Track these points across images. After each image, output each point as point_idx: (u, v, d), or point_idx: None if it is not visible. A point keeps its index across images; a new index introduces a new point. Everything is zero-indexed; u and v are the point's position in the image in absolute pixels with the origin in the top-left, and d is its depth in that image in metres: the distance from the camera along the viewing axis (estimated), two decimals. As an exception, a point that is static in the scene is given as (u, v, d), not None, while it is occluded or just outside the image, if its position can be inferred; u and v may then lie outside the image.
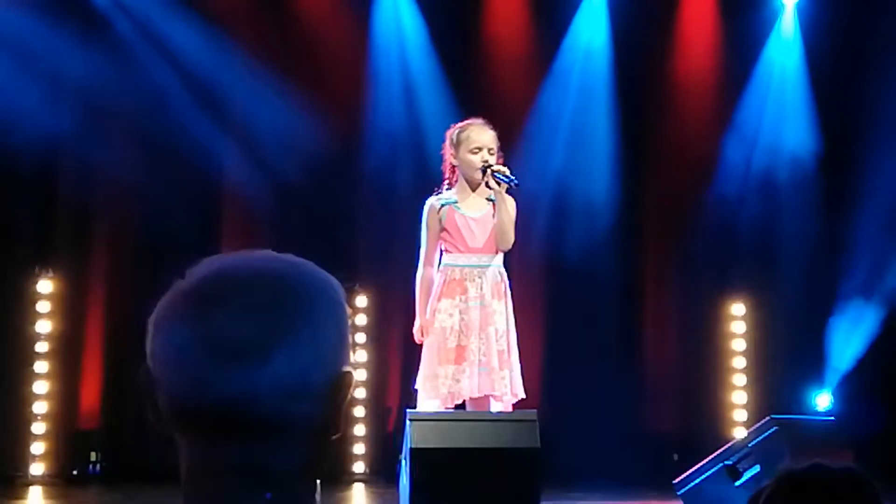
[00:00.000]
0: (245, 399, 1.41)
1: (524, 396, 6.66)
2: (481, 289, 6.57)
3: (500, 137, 6.77)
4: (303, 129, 9.28)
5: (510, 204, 6.59)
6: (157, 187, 9.11)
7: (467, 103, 8.94)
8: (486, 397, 6.54)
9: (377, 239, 9.39)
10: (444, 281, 6.59)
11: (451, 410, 6.51)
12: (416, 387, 6.66)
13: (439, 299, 6.58)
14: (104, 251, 9.29)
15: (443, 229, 6.62)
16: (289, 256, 1.51)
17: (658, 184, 10.16)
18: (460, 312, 6.55)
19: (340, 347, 1.48)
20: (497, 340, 6.57)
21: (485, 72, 9.99)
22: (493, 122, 6.88)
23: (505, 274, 6.68)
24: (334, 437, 1.49)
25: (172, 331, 1.44)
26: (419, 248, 6.69)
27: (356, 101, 9.65)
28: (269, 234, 9.11)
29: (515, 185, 6.52)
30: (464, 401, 6.57)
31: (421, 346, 6.67)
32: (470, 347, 6.52)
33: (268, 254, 1.51)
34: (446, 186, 6.73)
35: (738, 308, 10.28)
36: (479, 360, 6.51)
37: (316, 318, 1.46)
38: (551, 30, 10.17)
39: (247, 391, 1.41)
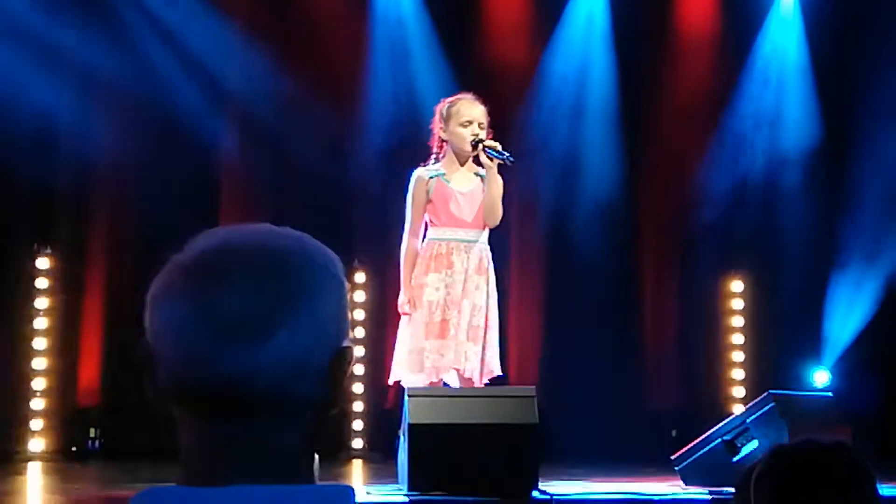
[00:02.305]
0: (246, 377, 1.41)
1: (501, 374, 6.67)
2: (465, 263, 6.58)
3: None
4: (301, 106, 9.27)
5: (498, 181, 6.59)
6: (155, 164, 9.10)
7: (467, 79, 8.92)
8: (459, 371, 6.55)
9: (375, 215, 9.39)
10: (431, 255, 6.60)
11: (450, 386, 6.53)
12: (395, 360, 6.65)
13: (426, 273, 6.58)
14: (103, 227, 9.29)
15: (429, 201, 6.62)
16: (287, 230, 1.50)
17: (657, 161, 10.15)
18: (446, 286, 6.57)
19: (340, 323, 1.48)
20: (474, 315, 6.57)
21: (484, 48, 9.97)
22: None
23: (489, 250, 6.69)
24: (333, 412, 1.50)
25: (172, 307, 1.43)
26: (404, 219, 6.69)
27: (355, 77, 9.63)
28: (267, 210, 9.10)
29: (511, 162, 6.52)
30: (452, 375, 6.58)
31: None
32: (451, 321, 6.54)
33: (266, 227, 1.50)
34: (433, 160, 6.74)
35: (736, 285, 10.28)
36: (458, 335, 6.53)
37: (316, 294, 1.45)
38: (551, 4, 10.15)
39: (248, 369, 1.41)
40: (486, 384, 6.62)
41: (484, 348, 6.60)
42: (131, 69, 9.23)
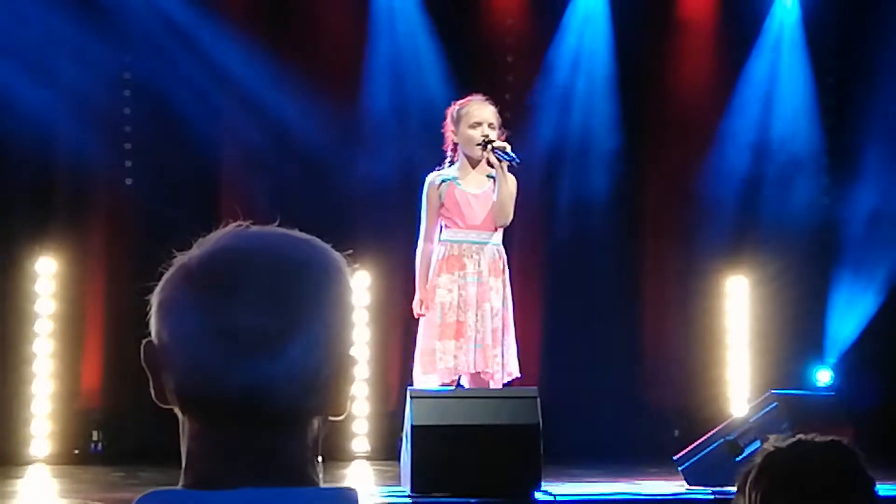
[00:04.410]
0: (260, 391, 1.40)
1: (519, 375, 6.69)
2: (479, 265, 6.61)
3: (501, 105, 6.81)
4: (301, 105, 9.26)
5: (511, 181, 6.62)
6: (155, 164, 9.10)
7: (467, 78, 8.93)
8: (487, 373, 6.58)
9: (378, 217, 9.38)
10: (444, 256, 6.64)
11: (452, 388, 6.53)
12: (413, 362, 6.70)
13: (439, 275, 6.63)
14: (103, 229, 9.28)
15: (442, 205, 6.66)
16: (295, 233, 1.48)
17: (658, 159, 10.15)
18: (459, 288, 6.60)
19: (348, 330, 1.47)
20: (493, 318, 6.60)
21: (483, 48, 9.96)
22: (494, 94, 6.90)
23: (503, 251, 6.72)
24: (339, 419, 1.49)
25: (183, 318, 1.42)
26: (419, 223, 6.73)
27: (356, 75, 9.62)
28: (267, 210, 9.06)
29: (517, 163, 6.55)
30: (460, 377, 6.60)
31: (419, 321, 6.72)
32: (467, 323, 6.56)
33: (275, 232, 1.48)
34: (448, 164, 6.76)
35: (738, 283, 10.27)
36: (475, 337, 6.55)
37: (328, 305, 1.44)
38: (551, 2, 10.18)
39: (262, 384, 1.40)
40: (507, 384, 6.64)
41: (503, 350, 6.62)
42: (131, 69, 9.23)
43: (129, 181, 9.25)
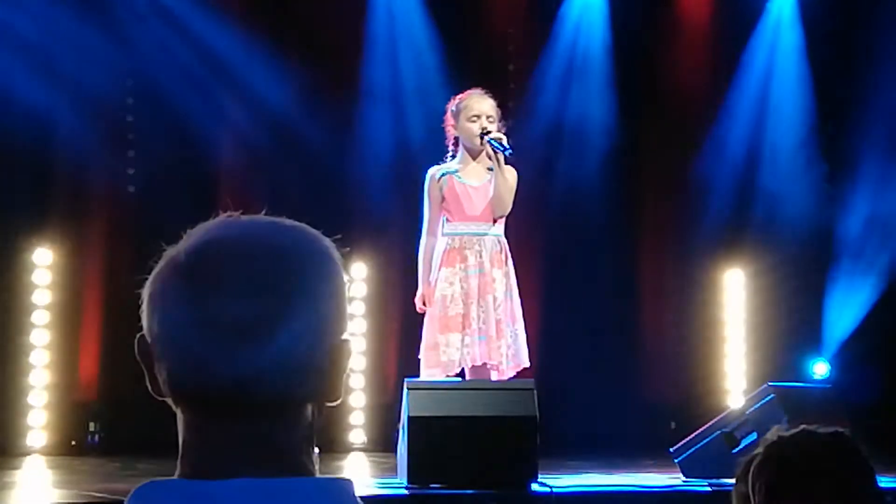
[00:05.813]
0: (250, 380, 1.40)
1: (528, 365, 6.69)
2: (480, 256, 6.62)
3: (500, 95, 6.83)
4: (299, 97, 9.26)
5: (510, 173, 6.65)
6: (152, 156, 9.10)
7: (465, 69, 8.93)
8: (487, 366, 6.59)
9: (376, 208, 9.38)
10: (446, 250, 6.66)
11: (449, 379, 6.54)
12: (419, 356, 6.70)
13: (440, 268, 6.63)
14: (101, 221, 9.28)
15: (443, 198, 6.67)
16: (284, 222, 1.48)
17: (655, 152, 10.15)
18: (460, 281, 6.61)
19: (340, 317, 1.46)
20: (495, 309, 6.60)
21: (482, 38, 9.96)
22: (492, 83, 6.90)
23: (505, 242, 6.73)
24: (333, 405, 1.49)
25: (172, 309, 1.42)
26: (422, 217, 6.74)
27: (353, 68, 9.62)
28: (264, 203, 9.03)
29: (509, 153, 6.57)
30: (463, 369, 6.60)
31: (422, 315, 6.72)
32: (471, 315, 6.57)
33: (262, 221, 1.48)
34: (450, 157, 6.78)
35: (735, 276, 10.28)
36: (479, 329, 6.56)
37: (316, 292, 1.43)
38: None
39: (251, 373, 1.40)
40: (512, 377, 6.65)
41: (508, 341, 6.62)
42: (129, 65, 9.22)
43: (131, 188, 9.25)
